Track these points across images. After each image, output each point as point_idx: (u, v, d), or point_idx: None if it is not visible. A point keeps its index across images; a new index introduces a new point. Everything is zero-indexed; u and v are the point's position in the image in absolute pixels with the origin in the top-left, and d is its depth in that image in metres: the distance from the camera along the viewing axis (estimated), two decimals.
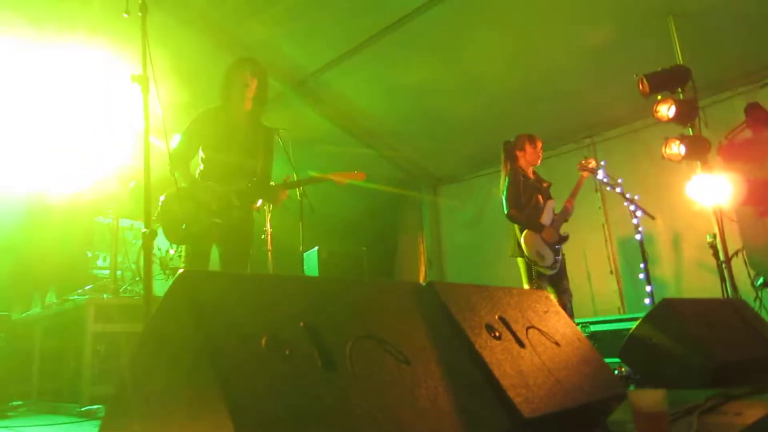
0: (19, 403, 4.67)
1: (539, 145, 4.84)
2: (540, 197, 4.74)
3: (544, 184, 4.88)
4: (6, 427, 3.74)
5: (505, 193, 4.71)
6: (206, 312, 1.14)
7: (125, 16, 2.76)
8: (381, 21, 5.68)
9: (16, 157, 5.35)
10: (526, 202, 4.67)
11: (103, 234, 5.54)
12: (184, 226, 3.35)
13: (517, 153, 4.83)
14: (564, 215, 4.75)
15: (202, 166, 3.63)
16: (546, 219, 4.68)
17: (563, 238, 4.68)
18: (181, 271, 1.22)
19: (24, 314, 5.30)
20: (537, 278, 4.43)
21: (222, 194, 3.47)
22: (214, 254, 3.63)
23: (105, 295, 4.66)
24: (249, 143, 3.67)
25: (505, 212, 4.67)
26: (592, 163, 4.94)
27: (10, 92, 5.23)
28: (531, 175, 4.83)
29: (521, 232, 4.59)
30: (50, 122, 5.37)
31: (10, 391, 4.67)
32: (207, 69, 5.66)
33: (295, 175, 5.23)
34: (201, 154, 3.64)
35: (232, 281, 1.28)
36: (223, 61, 5.72)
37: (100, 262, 5.49)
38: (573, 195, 4.84)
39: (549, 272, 4.46)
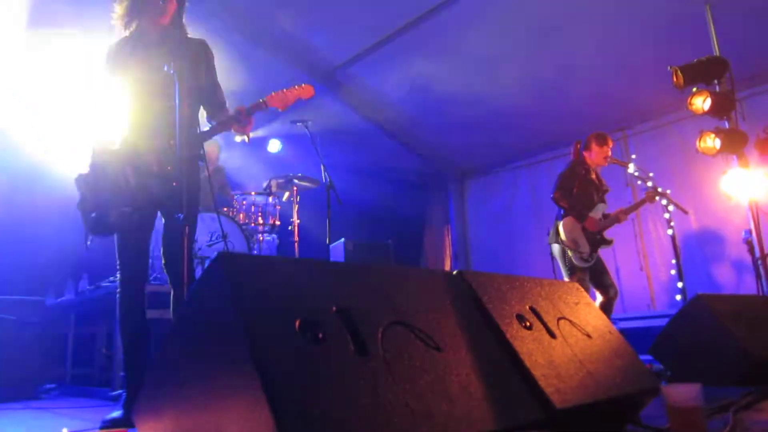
0: (53, 386, 4.80)
1: (608, 144, 4.82)
2: (594, 195, 4.74)
3: (603, 188, 4.88)
4: (40, 408, 3.85)
5: (559, 176, 4.76)
6: (242, 294, 1.15)
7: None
8: (408, 13, 5.65)
9: (51, 144, 5.46)
10: (579, 193, 4.68)
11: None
12: (93, 215, 2.71)
13: (584, 153, 4.85)
14: (611, 222, 4.73)
15: (124, 118, 2.88)
16: (593, 215, 4.67)
17: (605, 240, 4.67)
18: (217, 252, 1.24)
19: (58, 300, 5.43)
20: (576, 271, 4.42)
21: (140, 163, 2.73)
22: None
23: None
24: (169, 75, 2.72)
25: (551, 194, 4.71)
26: (659, 192, 4.85)
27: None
28: (593, 174, 4.82)
29: (561, 219, 4.61)
30: (83, 109, 5.45)
31: (45, 374, 4.80)
32: (233, 61, 5.72)
33: (323, 167, 5.30)
34: (120, 99, 2.90)
35: (267, 264, 1.29)
36: (249, 53, 5.85)
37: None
38: (629, 210, 4.86)
39: (581, 263, 4.44)
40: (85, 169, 2.79)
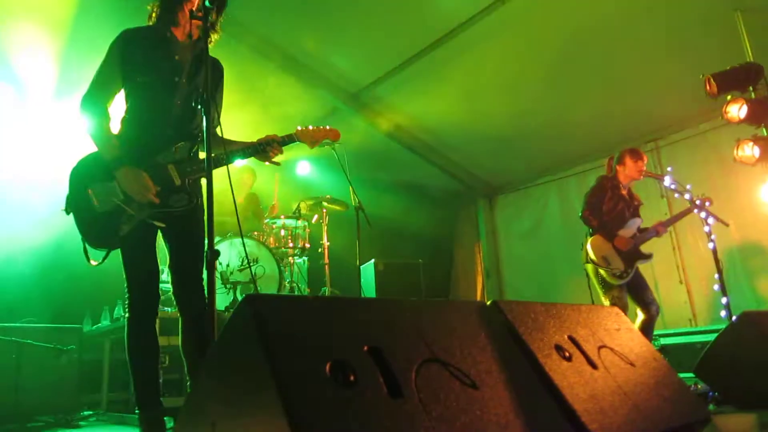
0: (90, 413, 4.84)
1: (643, 160, 4.76)
2: (626, 211, 4.66)
3: (635, 202, 4.81)
4: None
5: (586, 195, 4.71)
6: (271, 337, 1.13)
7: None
8: (432, 33, 5.65)
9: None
10: (608, 210, 4.62)
11: (165, 248, 5.72)
12: (99, 227, 2.52)
13: (617, 167, 4.79)
14: (649, 234, 4.64)
15: (127, 120, 2.68)
16: (625, 233, 4.58)
17: (643, 255, 4.57)
18: (245, 296, 1.21)
19: (95, 327, 5.51)
20: (612, 288, 4.31)
21: (155, 172, 2.56)
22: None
23: (168, 309, 4.78)
24: (197, 86, 2.67)
25: (579, 213, 4.65)
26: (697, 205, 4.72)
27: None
28: (623, 190, 4.75)
29: (591, 237, 4.55)
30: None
31: (81, 401, 4.85)
32: (258, 82, 5.80)
33: (352, 189, 5.29)
34: (126, 98, 2.69)
35: (296, 304, 1.26)
36: (274, 75, 5.92)
37: (164, 276, 5.66)
38: (669, 222, 4.81)
39: (614, 281, 4.33)
40: (87, 162, 2.62)
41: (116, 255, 2.64)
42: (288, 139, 2.91)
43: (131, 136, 2.63)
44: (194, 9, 2.46)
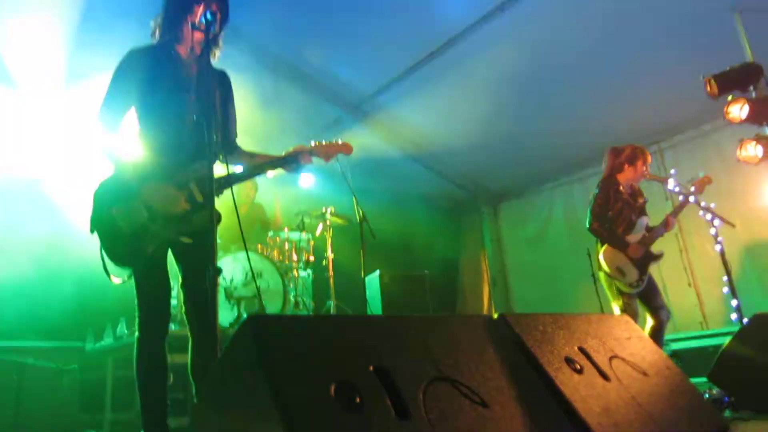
0: None
1: (649, 161, 4.67)
2: (632, 215, 4.56)
3: (640, 200, 4.69)
4: None
5: (591, 205, 4.58)
6: (274, 359, 1.09)
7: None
8: (432, 42, 5.65)
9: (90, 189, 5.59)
10: (615, 217, 4.51)
11: (171, 265, 5.68)
12: (125, 246, 2.52)
13: (626, 165, 4.64)
14: (658, 231, 4.52)
15: (142, 138, 2.66)
16: (634, 237, 4.49)
17: (654, 256, 4.48)
18: (248, 315, 1.18)
19: (97, 345, 5.47)
20: (622, 296, 4.27)
21: (177, 190, 2.54)
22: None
23: (173, 326, 4.75)
24: (205, 101, 2.63)
25: (587, 225, 4.54)
26: (702, 183, 4.67)
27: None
28: (625, 191, 4.64)
29: (601, 246, 4.46)
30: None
31: (83, 422, 4.80)
32: (262, 94, 5.80)
33: (355, 201, 5.26)
34: (138, 117, 2.66)
35: (299, 325, 1.23)
36: (279, 87, 5.93)
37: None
38: (676, 212, 4.65)
39: (630, 290, 4.26)
40: (109, 183, 2.60)
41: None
42: (310, 153, 2.97)
43: (148, 156, 2.62)
44: (195, 22, 2.44)
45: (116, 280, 2.61)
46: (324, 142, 3.04)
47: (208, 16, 2.36)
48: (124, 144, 2.63)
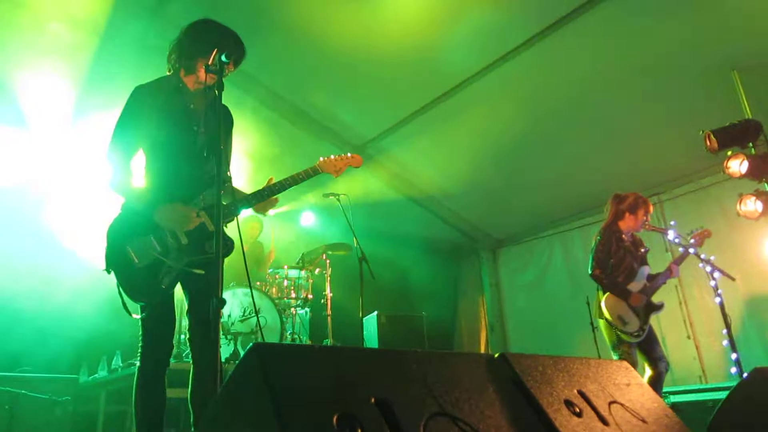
0: None
1: (650, 211, 4.70)
2: (634, 263, 4.57)
3: (641, 250, 4.71)
4: None
5: (593, 251, 4.57)
6: (278, 388, 1.11)
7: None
8: (435, 90, 5.80)
9: (85, 221, 5.63)
10: (617, 265, 4.51)
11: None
12: (141, 281, 2.52)
13: (627, 214, 4.67)
14: (661, 280, 4.55)
15: (150, 171, 2.68)
16: (636, 286, 4.49)
17: (655, 306, 4.48)
18: (253, 344, 1.20)
19: (90, 378, 5.41)
20: (622, 344, 4.24)
21: (190, 217, 2.56)
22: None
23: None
24: (213, 133, 2.69)
25: (590, 272, 4.53)
26: (702, 236, 4.72)
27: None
28: (627, 239, 4.66)
29: (603, 294, 4.45)
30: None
31: None
32: (268, 135, 5.91)
33: (356, 240, 5.29)
34: (146, 151, 2.69)
35: (303, 354, 1.25)
36: (284, 129, 6.05)
37: None
38: (680, 260, 4.68)
39: (631, 339, 4.24)
40: (121, 220, 2.63)
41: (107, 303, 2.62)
42: (312, 172, 2.94)
43: (158, 187, 2.65)
44: (210, 63, 2.50)
45: (136, 316, 2.60)
46: (333, 157, 3.06)
47: (224, 58, 2.42)
48: (135, 180, 2.66)
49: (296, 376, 1.16)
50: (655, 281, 4.53)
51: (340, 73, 5.59)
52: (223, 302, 2.02)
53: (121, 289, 2.57)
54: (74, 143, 5.53)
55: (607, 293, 4.43)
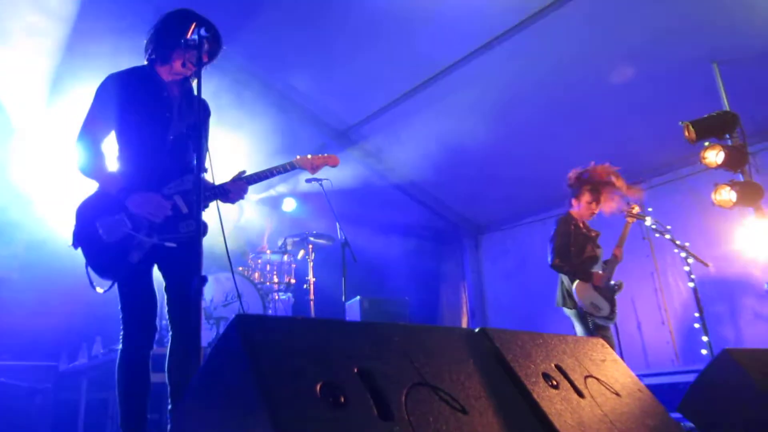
0: None
1: (599, 203, 4.70)
2: (594, 249, 4.61)
3: (592, 234, 4.73)
4: None
5: (552, 241, 4.57)
6: (261, 357, 1.13)
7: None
8: (419, 74, 5.81)
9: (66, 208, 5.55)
10: (577, 252, 4.51)
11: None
12: (109, 257, 2.54)
13: (572, 201, 4.74)
14: (613, 264, 4.60)
15: (123, 158, 2.70)
16: (597, 269, 4.54)
17: (616, 288, 4.52)
18: (236, 315, 1.22)
19: (71, 365, 5.37)
20: (598, 330, 4.29)
21: (163, 206, 2.59)
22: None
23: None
24: (187, 120, 2.73)
25: (549, 262, 4.52)
26: (636, 209, 4.83)
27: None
28: (582, 226, 4.67)
29: (572, 282, 4.43)
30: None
31: None
32: (253, 122, 5.88)
33: (338, 225, 5.31)
34: (118, 138, 2.71)
35: (286, 325, 1.27)
36: (268, 114, 6.02)
37: None
38: (620, 243, 4.70)
39: (606, 323, 4.32)
40: (91, 199, 2.64)
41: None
42: (289, 167, 3.01)
43: (130, 173, 2.66)
44: (188, 37, 2.50)
45: (99, 290, 2.61)
46: (309, 156, 3.16)
47: (202, 32, 2.42)
48: (105, 164, 2.67)
49: (279, 346, 1.18)
50: (609, 265, 4.58)
51: (325, 57, 5.57)
52: (204, 280, 2.04)
53: (88, 266, 2.57)
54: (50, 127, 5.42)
55: (577, 281, 4.40)
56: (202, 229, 2.56)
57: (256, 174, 2.85)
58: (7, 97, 5.21)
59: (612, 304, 4.43)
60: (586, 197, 4.63)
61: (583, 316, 4.36)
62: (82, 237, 2.60)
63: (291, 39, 5.35)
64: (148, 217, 2.56)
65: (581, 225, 4.66)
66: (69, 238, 2.63)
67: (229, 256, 2.92)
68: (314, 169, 3.16)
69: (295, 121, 6.27)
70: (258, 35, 5.17)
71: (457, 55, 5.50)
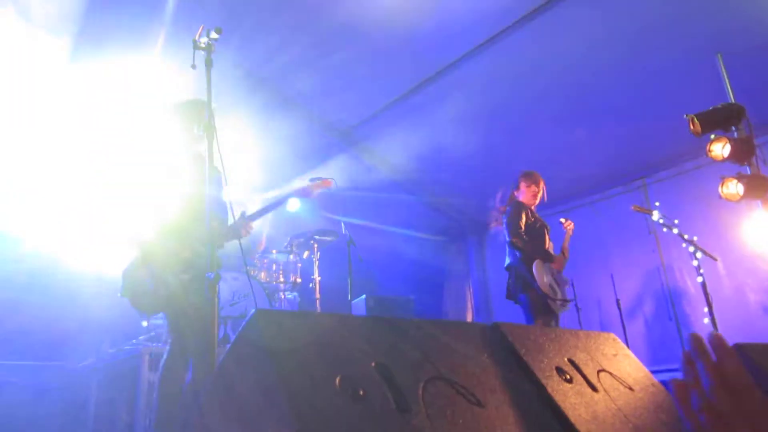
0: None
1: (538, 185, 4.74)
2: (545, 230, 4.60)
3: (537, 225, 4.73)
4: None
5: (505, 221, 4.55)
6: (280, 352, 1.14)
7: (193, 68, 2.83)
8: (421, 73, 5.81)
9: (76, 211, 5.56)
10: (534, 235, 4.47)
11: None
12: (150, 291, 3.03)
13: (514, 193, 4.78)
14: (565, 258, 4.62)
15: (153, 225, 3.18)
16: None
17: (566, 281, 4.53)
18: (256, 309, 1.22)
19: (80, 365, 5.39)
20: (547, 314, 4.18)
21: (185, 246, 3.06)
22: None
23: (159, 344, 4.72)
24: (200, 182, 3.03)
25: (507, 240, 4.45)
26: (571, 225, 4.86)
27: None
28: (534, 212, 4.71)
29: (530, 262, 4.33)
30: (113, 169, 5.56)
31: None
32: (257, 124, 5.89)
33: (343, 225, 5.31)
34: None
35: (304, 320, 1.27)
36: (272, 115, 6.02)
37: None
38: (565, 242, 4.78)
39: (559, 310, 4.26)
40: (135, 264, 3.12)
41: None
42: (284, 199, 3.52)
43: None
44: (196, 39, 2.65)
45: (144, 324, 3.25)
46: (307, 184, 3.59)
47: (215, 33, 2.54)
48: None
49: (299, 340, 1.19)
50: (562, 256, 4.58)
51: (328, 59, 5.57)
52: (217, 278, 2.06)
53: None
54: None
55: (537, 260, 4.33)
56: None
57: (256, 212, 3.33)
58: None
59: (564, 293, 4.37)
60: (521, 184, 4.79)
61: (540, 301, 4.24)
62: (126, 290, 3.21)
63: (291, 39, 5.35)
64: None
65: (533, 209, 4.75)
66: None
67: (243, 255, 3.03)
68: (312, 196, 3.58)
69: (298, 122, 6.27)
70: (259, 35, 5.17)
71: (459, 52, 5.49)
